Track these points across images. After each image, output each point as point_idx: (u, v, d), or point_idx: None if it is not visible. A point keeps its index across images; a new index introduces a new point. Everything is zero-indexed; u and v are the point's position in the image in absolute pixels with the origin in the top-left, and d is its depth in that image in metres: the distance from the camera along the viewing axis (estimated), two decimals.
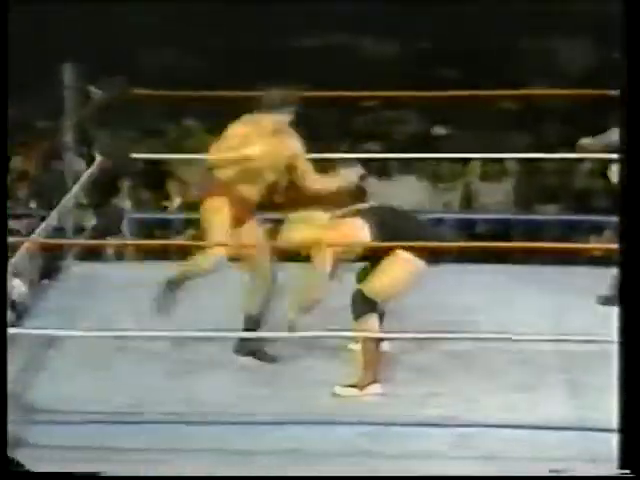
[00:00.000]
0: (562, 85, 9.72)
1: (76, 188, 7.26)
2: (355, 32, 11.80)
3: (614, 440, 5.04)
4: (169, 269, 6.24)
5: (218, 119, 10.19)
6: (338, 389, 5.86)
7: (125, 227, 8.18)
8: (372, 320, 5.82)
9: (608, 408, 5.57)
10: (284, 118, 6.17)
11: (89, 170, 7.44)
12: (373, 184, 9.44)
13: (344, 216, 5.98)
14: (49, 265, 7.38)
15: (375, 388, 5.86)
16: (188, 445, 5.36)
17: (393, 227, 5.87)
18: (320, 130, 10.20)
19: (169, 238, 8.48)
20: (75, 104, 7.28)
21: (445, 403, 5.79)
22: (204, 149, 9.92)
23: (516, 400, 5.81)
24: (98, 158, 7.51)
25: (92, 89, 7.28)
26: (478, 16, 11.40)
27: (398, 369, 6.08)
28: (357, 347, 5.96)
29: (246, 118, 6.23)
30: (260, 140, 6.08)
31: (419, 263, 5.81)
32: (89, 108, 7.34)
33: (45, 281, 7.27)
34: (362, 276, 5.95)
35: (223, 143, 6.20)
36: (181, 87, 7.81)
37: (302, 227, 5.98)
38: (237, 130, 6.19)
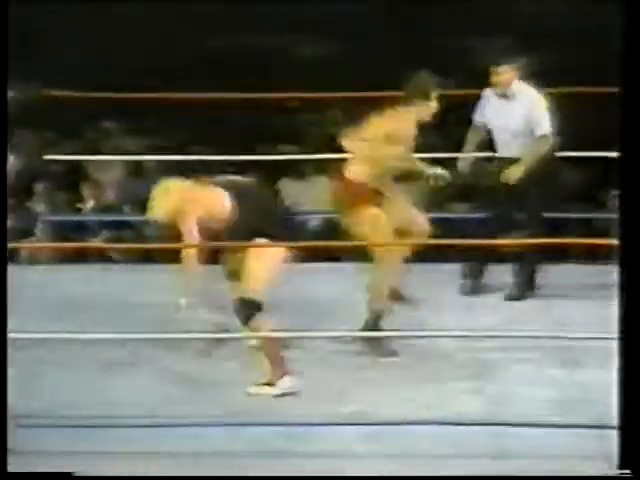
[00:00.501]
0: (478, 85, 9.75)
1: None
2: (288, 33, 11.75)
3: (526, 434, 5.12)
4: (84, 271, 6.17)
5: (138, 120, 10.27)
6: (252, 388, 5.82)
7: (39, 229, 8.11)
8: (261, 319, 5.79)
9: (517, 403, 5.69)
10: (427, 110, 6.22)
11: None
12: (287, 185, 9.44)
13: (205, 184, 6.04)
14: None
15: (286, 382, 5.83)
16: (103, 448, 5.27)
17: (254, 205, 5.89)
18: (238, 131, 10.20)
19: (83, 240, 8.44)
20: None
21: (357, 400, 5.78)
22: (121, 151, 9.88)
23: (427, 396, 5.82)
24: (11, 160, 7.43)
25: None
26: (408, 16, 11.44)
27: (313, 367, 6.07)
28: (257, 344, 5.97)
29: (391, 112, 6.22)
30: (407, 136, 6.15)
31: (281, 250, 5.82)
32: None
33: None
34: (231, 273, 5.97)
35: (369, 138, 6.18)
36: (100, 89, 7.71)
37: (163, 197, 5.97)
38: (385, 125, 6.18)
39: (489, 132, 7.09)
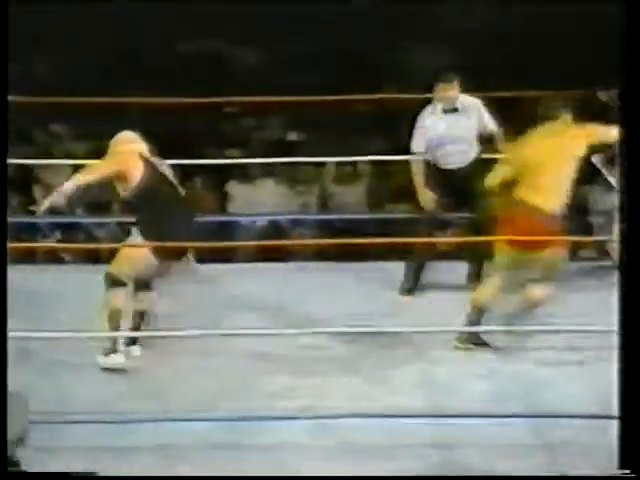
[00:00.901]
0: (418, 90, 9.83)
1: None
2: (224, 39, 11.78)
3: (466, 425, 5.21)
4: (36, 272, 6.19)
5: (86, 124, 10.24)
6: (100, 359, 6.11)
7: None
8: (117, 293, 6.14)
9: (457, 395, 5.79)
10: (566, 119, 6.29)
11: None
12: (234, 188, 9.49)
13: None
14: None
15: (117, 358, 6.10)
16: (58, 443, 5.31)
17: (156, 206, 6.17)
18: (185, 136, 10.22)
19: (35, 241, 8.44)
20: None
21: (300, 395, 5.82)
22: (71, 155, 9.86)
23: (368, 389, 5.88)
24: None
25: None
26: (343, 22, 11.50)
27: (256, 362, 6.12)
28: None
29: (544, 129, 6.26)
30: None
31: (147, 250, 6.12)
32: None
33: None
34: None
35: (527, 156, 6.19)
36: (49, 94, 7.73)
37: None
38: (544, 142, 6.20)
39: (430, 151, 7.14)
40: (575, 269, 7.24)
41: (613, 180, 7.32)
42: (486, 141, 7.11)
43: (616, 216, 7.21)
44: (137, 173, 6.32)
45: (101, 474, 4.88)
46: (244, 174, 9.44)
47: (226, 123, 10.71)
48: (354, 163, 9.42)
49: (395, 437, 5.42)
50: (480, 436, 5.40)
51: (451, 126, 7.03)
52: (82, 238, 8.87)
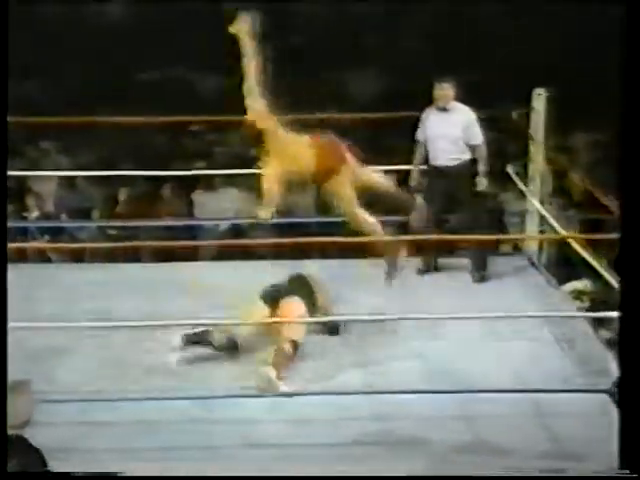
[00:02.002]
0: (353, 111, 9.89)
1: None
2: (186, 66, 11.78)
3: (402, 400, 5.25)
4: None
5: (72, 141, 10.21)
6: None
7: None
8: None
9: (391, 375, 5.84)
10: None
11: None
12: (199, 196, 9.51)
13: None
14: None
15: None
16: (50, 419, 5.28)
17: None
18: (156, 151, 10.23)
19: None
20: None
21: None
22: (57, 167, 9.82)
23: (318, 370, 5.92)
24: None
25: None
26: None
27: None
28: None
29: None
30: None
31: None
32: None
33: None
34: None
35: None
36: (38, 113, 7.75)
37: None
38: None
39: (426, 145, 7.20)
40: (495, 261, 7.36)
41: (523, 187, 7.48)
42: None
43: (526, 217, 7.44)
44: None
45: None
46: (209, 183, 9.49)
47: (192, 139, 10.74)
48: None
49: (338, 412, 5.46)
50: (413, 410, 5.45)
51: (440, 124, 7.08)
52: (67, 240, 8.88)
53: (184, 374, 5.88)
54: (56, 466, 4.82)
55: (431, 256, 7.27)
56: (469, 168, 7.10)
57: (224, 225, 9.11)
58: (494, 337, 6.19)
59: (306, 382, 5.78)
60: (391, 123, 7.85)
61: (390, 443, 5.24)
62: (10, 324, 4.54)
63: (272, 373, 5.66)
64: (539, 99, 7.26)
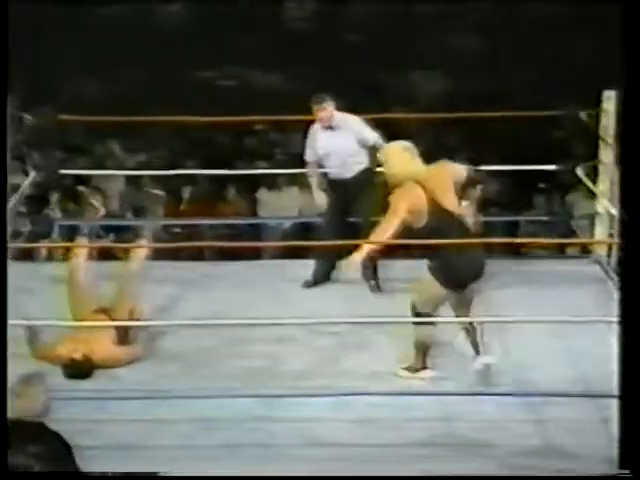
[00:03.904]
0: (417, 110, 9.84)
1: (14, 199, 7.23)
2: (247, 66, 11.82)
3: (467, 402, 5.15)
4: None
5: (136, 140, 10.30)
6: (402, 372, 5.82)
7: (55, 232, 8.13)
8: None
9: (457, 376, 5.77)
10: None
11: (25, 184, 7.40)
12: (263, 195, 9.53)
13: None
14: None
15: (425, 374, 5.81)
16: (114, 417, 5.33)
17: None
18: (218, 151, 10.26)
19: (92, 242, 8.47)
20: (11, 129, 7.24)
21: (322, 375, 5.80)
22: (122, 167, 9.90)
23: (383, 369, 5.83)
24: (31, 174, 7.46)
25: (25, 115, 7.26)
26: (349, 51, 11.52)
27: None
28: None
29: None
30: None
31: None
32: (23, 132, 7.30)
33: None
34: None
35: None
36: (103, 113, 7.79)
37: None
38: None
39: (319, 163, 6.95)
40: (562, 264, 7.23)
41: (593, 188, 7.35)
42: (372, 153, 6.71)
43: (595, 220, 7.31)
44: (424, 206, 5.53)
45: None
46: (272, 183, 9.48)
47: (255, 139, 10.77)
48: None
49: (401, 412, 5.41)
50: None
51: (328, 143, 6.81)
52: (132, 238, 8.90)
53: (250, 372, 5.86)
54: (119, 463, 4.91)
55: None
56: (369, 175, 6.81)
57: (287, 223, 9.12)
58: (560, 340, 6.09)
59: (369, 381, 5.73)
60: (453, 123, 7.78)
61: (453, 445, 5.19)
62: (10, 322, 4.55)
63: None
64: (609, 100, 7.14)
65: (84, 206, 9.21)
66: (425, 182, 5.54)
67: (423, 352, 5.78)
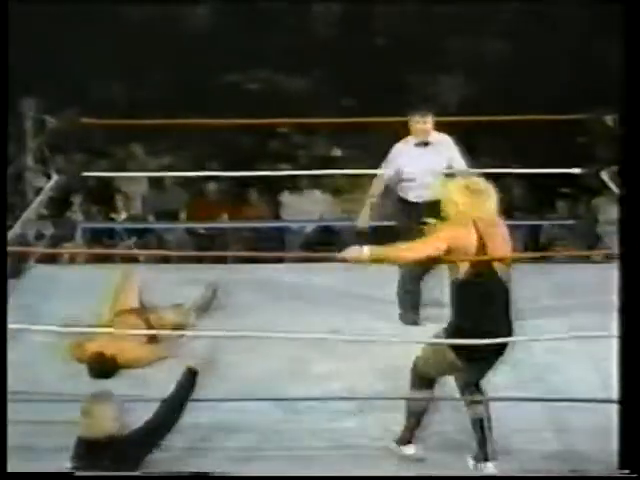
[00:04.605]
0: (443, 114, 9.81)
1: (36, 202, 7.22)
2: (272, 68, 11.82)
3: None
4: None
5: (159, 143, 10.33)
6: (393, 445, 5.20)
7: (78, 235, 8.15)
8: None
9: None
10: None
11: (47, 187, 7.41)
12: (286, 197, 9.52)
13: None
14: (13, 268, 7.31)
15: (408, 449, 5.14)
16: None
17: None
18: (240, 153, 10.26)
19: (116, 246, 8.52)
20: (33, 131, 7.27)
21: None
22: (145, 169, 9.90)
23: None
24: (54, 177, 7.49)
25: (48, 118, 7.28)
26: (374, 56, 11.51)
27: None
28: None
29: None
30: None
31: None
32: (45, 134, 7.32)
33: (10, 281, 7.19)
34: None
35: None
36: (127, 116, 7.81)
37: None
38: None
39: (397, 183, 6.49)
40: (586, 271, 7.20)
41: (618, 192, 7.26)
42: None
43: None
44: (473, 251, 4.75)
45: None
46: (294, 185, 9.48)
47: (277, 141, 10.77)
48: None
49: None
50: None
51: (419, 161, 6.40)
52: (154, 242, 8.93)
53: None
54: (150, 465, 4.87)
55: None
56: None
57: (310, 227, 9.12)
58: (585, 347, 5.99)
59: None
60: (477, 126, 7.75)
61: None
62: (10, 325, 4.56)
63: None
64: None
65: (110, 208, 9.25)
66: (484, 229, 4.78)
67: (415, 421, 5.06)
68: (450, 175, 6.13)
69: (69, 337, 5.92)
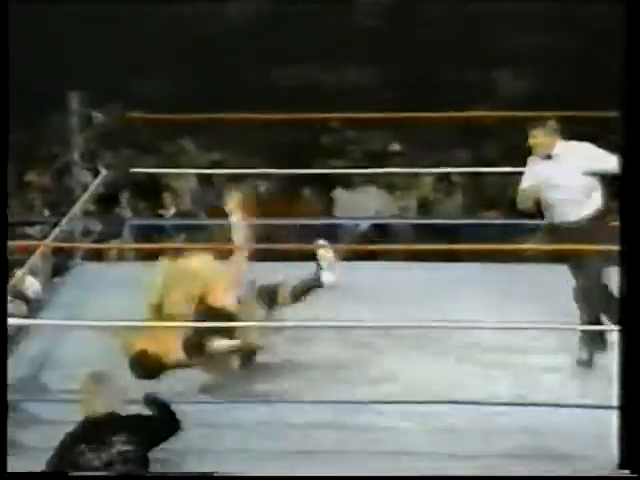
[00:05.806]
0: (499, 109, 9.65)
1: (83, 198, 7.20)
2: (322, 63, 11.72)
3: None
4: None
5: (207, 137, 10.28)
6: None
7: (126, 232, 8.09)
8: None
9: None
10: None
11: (94, 183, 7.37)
12: (340, 194, 9.36)
13: None
14: (60, 264, 7.27)
15: None
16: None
17: None
18: (293, 149, 10.16)
19: (164, 242, 8.41)
20: (80, 126, 7.22)
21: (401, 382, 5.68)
22: (194, 165, 9.87)
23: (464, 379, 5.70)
24: (102, 172, 7.45)
25: (94, 114, 7.24)
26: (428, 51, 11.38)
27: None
28: None
29: None
30: None
31: None
32: (92, 130, 7.29)
33: (56, 279, 7.17)
34: None
35: None
36: (174, 111, 7.72)
37: None
38: None
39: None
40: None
41: None
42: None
43: None
44: None
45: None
46: (348, 182, 9.32)
47: (331, 137, 10.68)
48: (447, 173, 9.19)
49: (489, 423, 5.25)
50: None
51: (546, 177, 5.74)
52: (204, 239, 8.82)
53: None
54: (182, 466, 4.90)
55: None
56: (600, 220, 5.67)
57: (364, 224, 8.98)
58: None
59: (453, 389, 5.56)
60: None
61: (534, 457, 5.00)
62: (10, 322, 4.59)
63: None
64: None
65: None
66: None
67: None
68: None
69: (118, 334, 5.80)
